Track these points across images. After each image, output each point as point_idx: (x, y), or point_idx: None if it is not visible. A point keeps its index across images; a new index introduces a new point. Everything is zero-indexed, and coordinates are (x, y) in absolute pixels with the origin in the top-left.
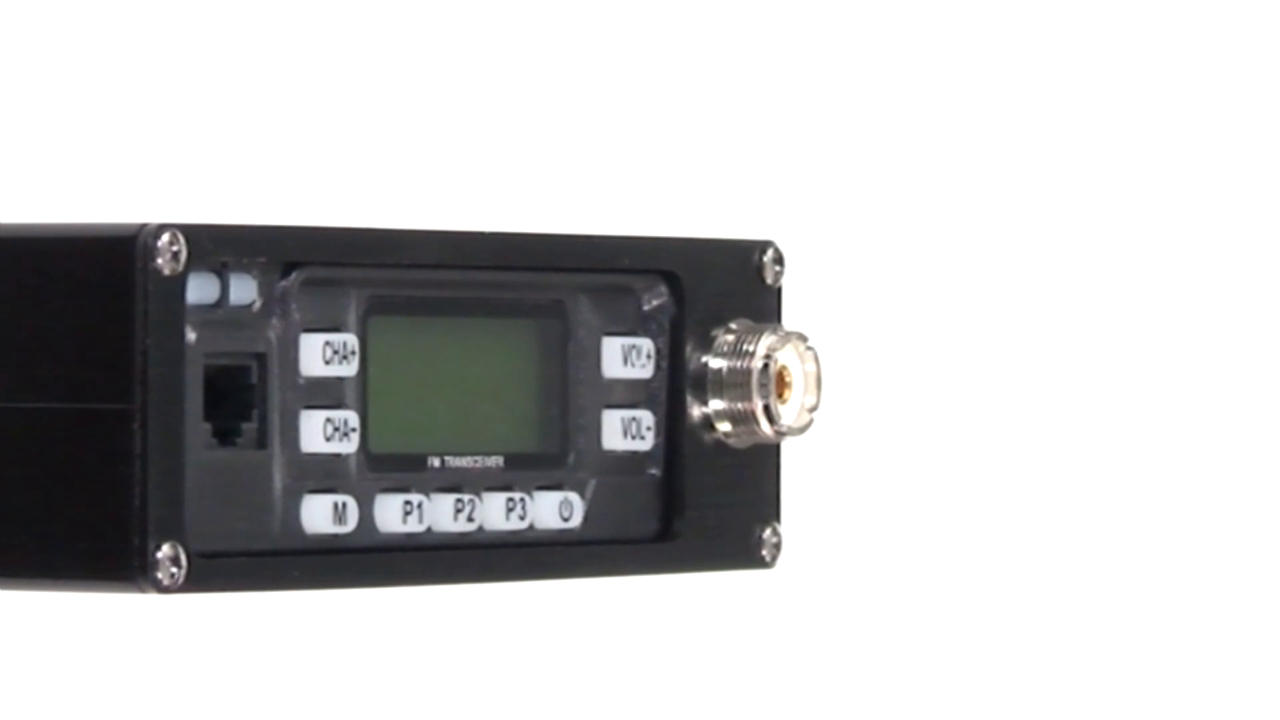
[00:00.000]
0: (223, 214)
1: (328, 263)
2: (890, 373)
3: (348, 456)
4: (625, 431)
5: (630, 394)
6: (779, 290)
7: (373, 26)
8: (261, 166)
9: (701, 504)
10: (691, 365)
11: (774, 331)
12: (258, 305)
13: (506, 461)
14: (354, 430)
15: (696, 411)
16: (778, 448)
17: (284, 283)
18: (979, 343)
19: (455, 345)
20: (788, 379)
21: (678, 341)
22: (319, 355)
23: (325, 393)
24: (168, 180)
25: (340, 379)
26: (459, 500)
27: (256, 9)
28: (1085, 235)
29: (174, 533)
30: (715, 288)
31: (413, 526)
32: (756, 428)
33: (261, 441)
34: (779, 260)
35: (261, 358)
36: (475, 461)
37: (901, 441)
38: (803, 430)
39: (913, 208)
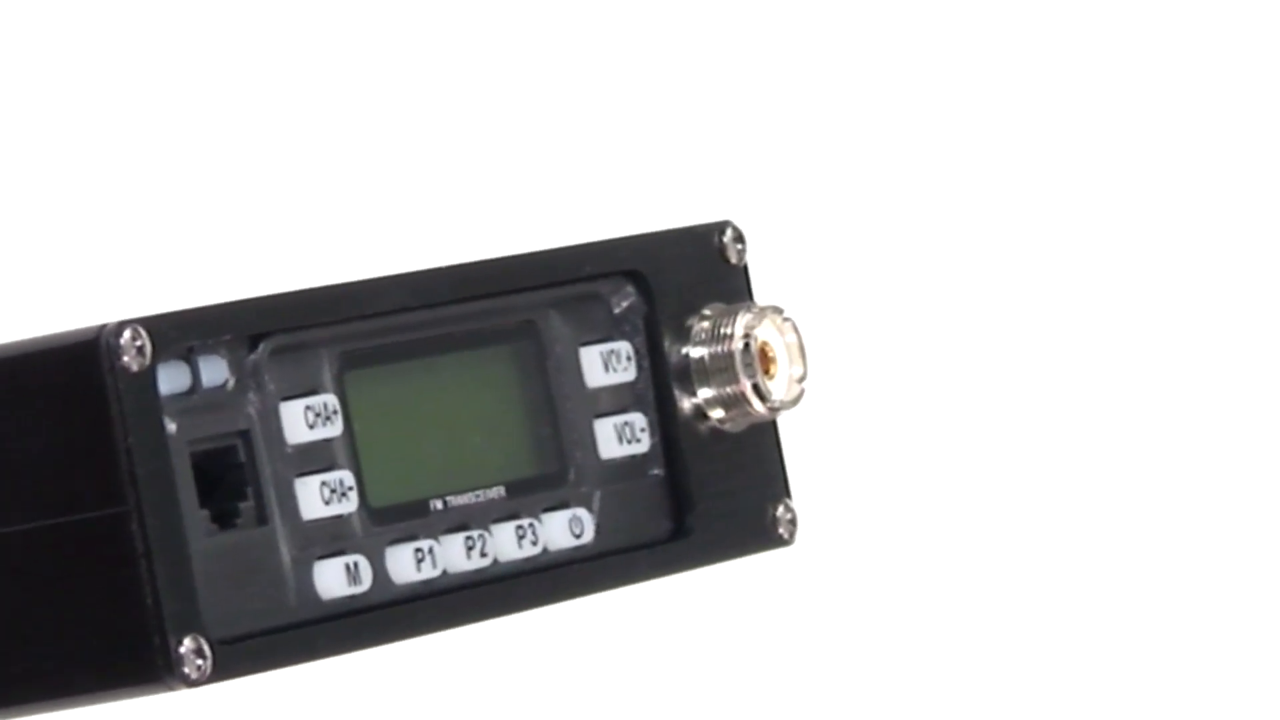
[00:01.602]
0: (170, 295)
1: (292, 328)
2: (865, 343)
3: (350, 515)
4: (620, 437)
5: (618, 399)
6: (745, 268)
7: (285, 69)
8: (202, 239)
9: (710, 495)
10: (673, 359)
11: (748, 310)
12: (231, 383)
13: (508, 490)
14: (351, 489)
15: (687, 404)
16: (774, 424)
17: (253, 356)
18: (957, 310)
19: (435, 385)
20: (771, 354)
21: (654, 338)
22: (302, 421)
23: (315, 457)
24: (108, 270)
25: (328, 440)
26: (469, 538)
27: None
28: (1049, 201)
29: (193, 625)
30: (681, 277)
31: (427, 573)
32: (749, 408)
33: (261, 518)
34: (739, 238)
35: (245, 435)
36: (477, 496)
37: (892, 411)
38: (795, 402)
39: (868, 179)
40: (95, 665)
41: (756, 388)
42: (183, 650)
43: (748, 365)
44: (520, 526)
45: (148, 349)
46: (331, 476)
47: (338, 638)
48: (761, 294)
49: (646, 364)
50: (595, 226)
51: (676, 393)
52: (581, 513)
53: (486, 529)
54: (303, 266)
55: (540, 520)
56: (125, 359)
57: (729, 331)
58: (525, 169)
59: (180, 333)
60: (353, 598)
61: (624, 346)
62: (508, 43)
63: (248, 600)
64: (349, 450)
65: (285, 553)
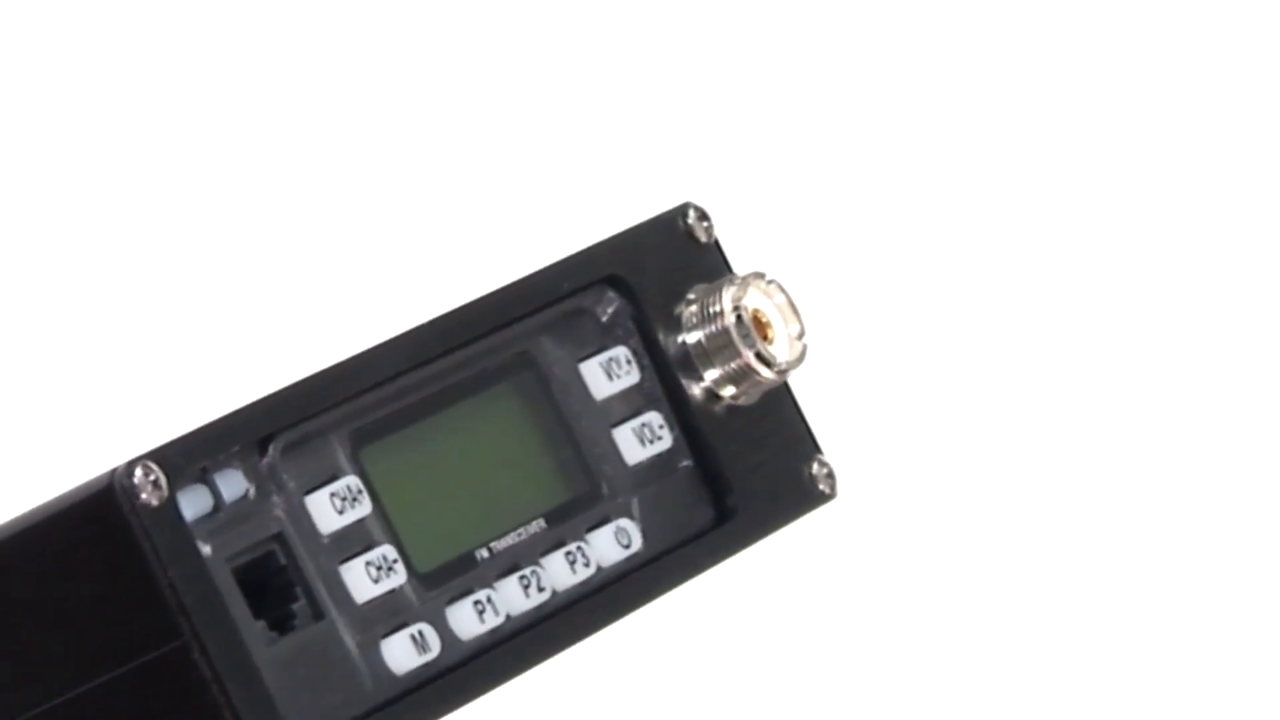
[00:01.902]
0: (154, 401)
1: (296, 422)
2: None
3: (402, 587)
4: (642, 440)
5: (629, 404)
6: (716, 244)
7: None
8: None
9: (743, 471)
10: (671, 350)
11: (731, 283)
12: (252, 492)
13: (548, 520)
14: (396, 561)
15: (697, 390)
16: (787, 386)
17: (266, 459)
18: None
19: (449, 438)
20: (765, 320)
21: (648, 335)
22: (330, 509)
23: (353, 540)
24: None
25: (360, 521)
26: (522, 577)
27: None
28: (1022, 169)
29: None
30: (658, 269)
31: (491, 622)
32: (758, 378)
33: (317, 613)
34: (703, 216)
35: (280, 537)
36: (519, 535)
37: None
38: (800, 359)
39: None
40: None
41: (760, 355)
42: None
43: (745, 336)
44: (569, 552)
45: (163, 481)
46: (374, 555)
47: (422, 708)
48: (740, 264)
49: (647, 362)
50: (551, 234)
51: (684, 382)
52: (625, 523)
53: (537, 564)
54: (281, 338)
55: (587, 541)
56: (144, 496)
57: (718, 309)
58: (470, 180)
59: (189, 457)
60: (426, 666)
61: (621, 351)
62: (444, 60)
63: (325, 696)
64: (384, 524)
65: (349, 641)
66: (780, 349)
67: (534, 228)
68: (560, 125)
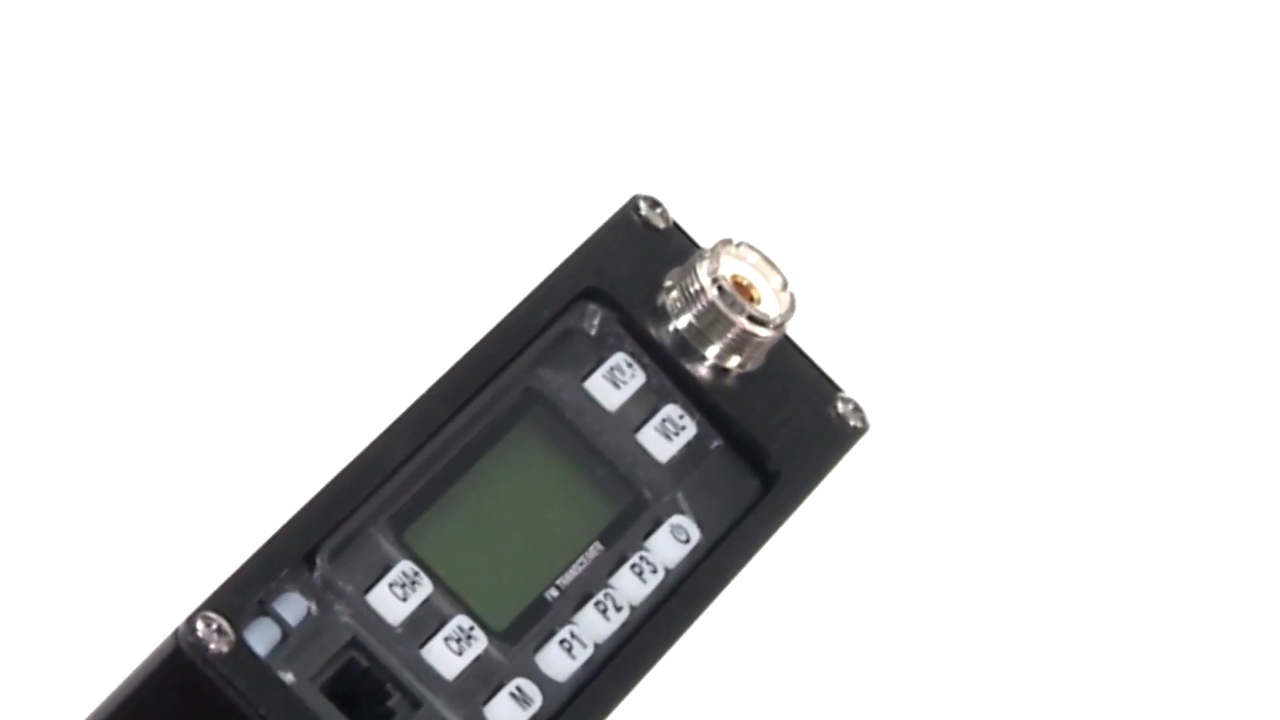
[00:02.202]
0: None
1: (333, 529)
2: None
3: (486, 651)
4: (667, 435)
5: (644, 405)
6: (676, 225)
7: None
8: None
9: (773, 433)
10: (666, 341)
11: (702, 257)
12: (314, 608)
13: (603, 540)
14: (472, 628)
15: (703, 370)
16: (787, 339)
17: (317, 573)
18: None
19: (484, 494)
20: (745, 282)
21: (639, 334)
22: (394, 600)
23: (425, 622)
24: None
25: (426, 601)
26: (598, 603)
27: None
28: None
29: None
30: (627, 268)
31: (583, 655)
32: (757, 339)
33: (414, 702)
34: (654, 204)
35: (355, 643)
36: (581, 564)
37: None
38: (792, 309)
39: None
40: None
41: (752, 318)
42: None
43: (732, 304)
44: (634, 565)
45: (225, 626)
46: (450, 629)
47: None
48: (704, 237)
49: (648, 360)
50: (523, 254)
51: (688, 367)
52: (677, 519)
53: (607, 585)
54: (286, 423)
55: (647, 549)
56: (213, 647)
57: (697, 286)
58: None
59: (243, 595)
60: (536, 718)
61: (619, 358)
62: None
63: None
64: (449, 597)
65: (454, 718)
66: (769, 305)
67: (480, 236)
68: (489, 131)
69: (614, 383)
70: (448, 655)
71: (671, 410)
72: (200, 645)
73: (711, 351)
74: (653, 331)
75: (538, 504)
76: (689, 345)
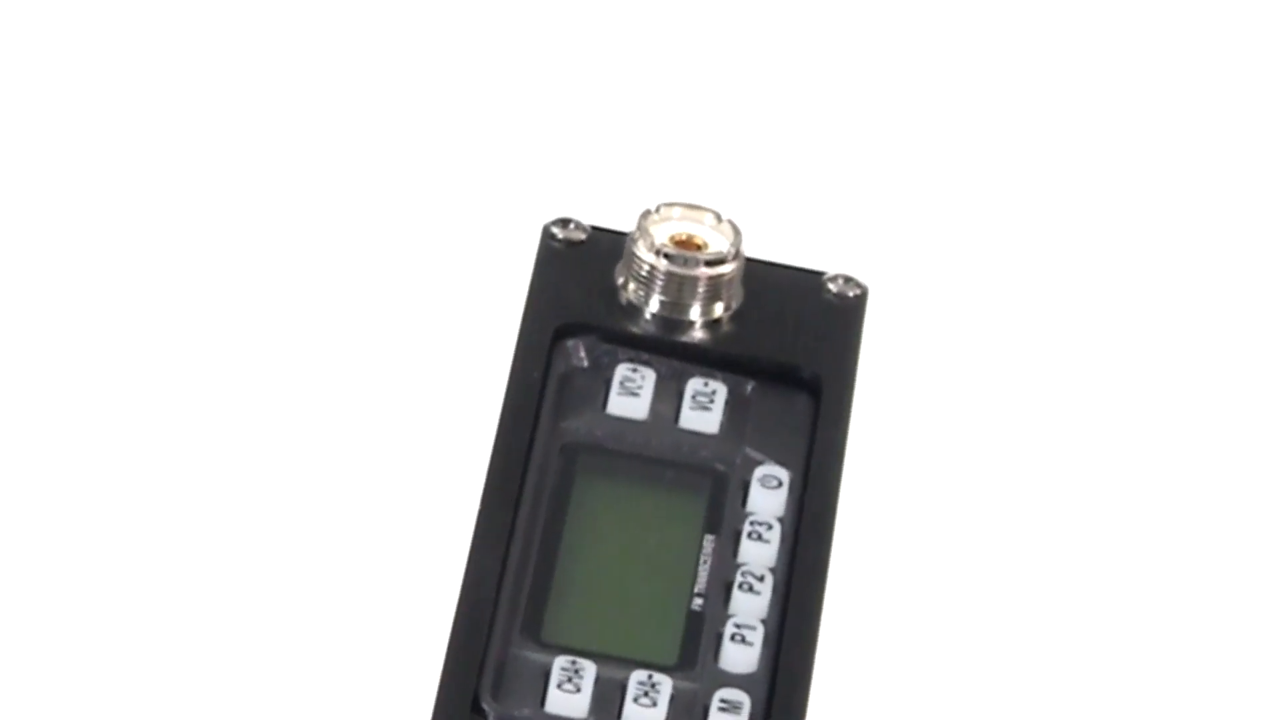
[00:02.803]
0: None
1: (480, 673)
2: None
3: (675, 689)
4: (704, 407)
5: (668, 395)
6: (591, 232)
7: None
8: None
9: (791, 346)
10: (651, 329)
11: (634, 240)
12: None
13: (709, 530)
14: (650, 675)
15: (698, 332)
16: (747, 260)
17: (491, 716)
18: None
19: (584, 558)
20: (683, 237)
21: (625, 338)
22: (570, 695)
23: (608, 696)
24: None
25: (595, 679)
26: (740, 585)
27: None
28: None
29: None
30: (578, 290)
31: (756, 638)
32: (724, 277)
33: None
34: (565, 222)
35: None
36: (705, 563)
37: None
38: (739, 233)
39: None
40: None
41: (709, 262)
42: None
43: (685, 262)
44: (750, 534)
45: None
46: (633, 690)
47: None
48: (624, 220)
49: (646, 356)
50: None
51: (683, 338)
52: (760, 471)
53: (738, 564)
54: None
55: (750, 512)
56: None
57: (646, 267)
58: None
59: None
60: (752, 715)
61: (622, 370)
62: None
63: None
64: (614, 664)
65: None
66: (717, 242)
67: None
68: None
69: (630, 393)
70: (645, 713)
71: (694, 384)
72: None
73: (694, 313)
74: (634, 329)
75: (635, 537)
76: (672, 320)
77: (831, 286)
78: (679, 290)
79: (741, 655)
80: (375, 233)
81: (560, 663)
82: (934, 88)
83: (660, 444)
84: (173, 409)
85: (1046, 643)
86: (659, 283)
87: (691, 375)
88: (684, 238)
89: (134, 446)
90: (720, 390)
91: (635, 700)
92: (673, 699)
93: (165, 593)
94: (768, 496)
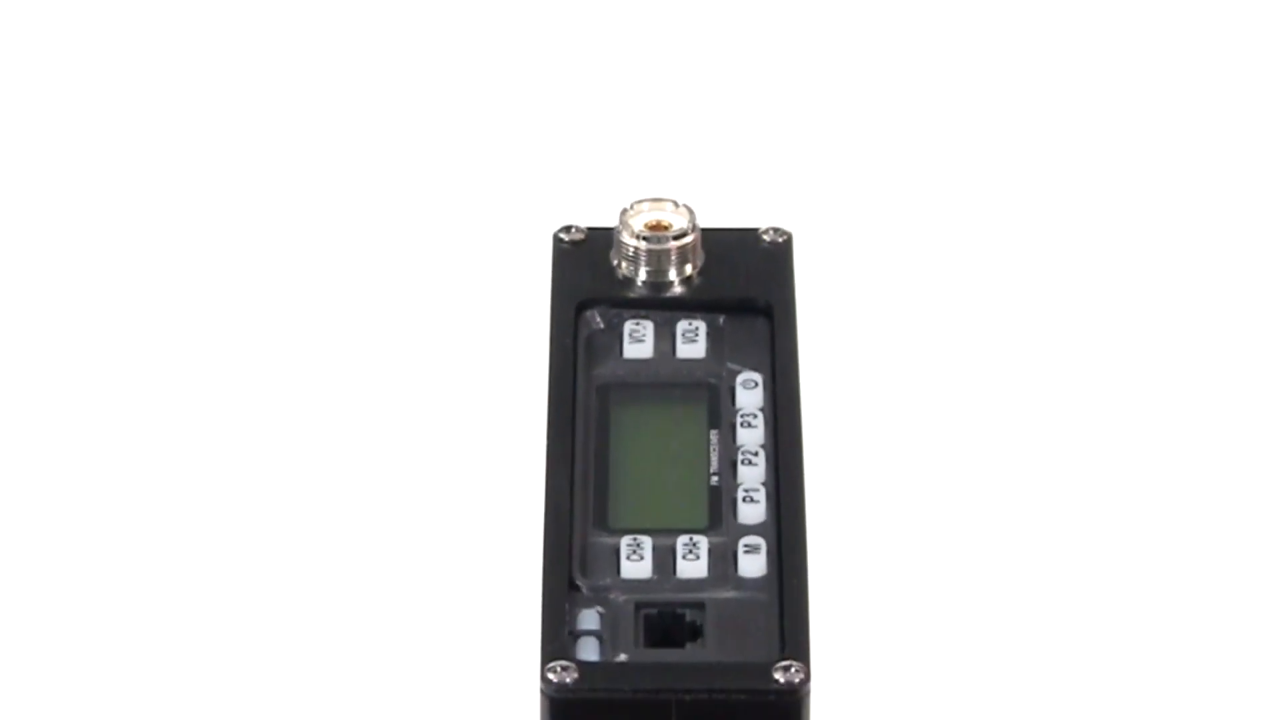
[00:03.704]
0: None
1: (570, 560)
2: None
3: (709, 542)
4: (692, 340)
5: (665, 336)
6: (589, 235)
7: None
8: None
9: (746, 285)
10: (645, 291)
11: (619, 233)
12: (601, 609)
13: (712, 425)
14: (691, 538)
15: (677, 288)
16: (699, 230)
17: (584, 589)
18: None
19: (629, 463)
20: (654, 223)
21: (626, 302)
22: (637, 562)
23: (664, 558)
24: None
25: (652, 548)
26: (742, 460)
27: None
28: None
29: None
30: (588, 275)
31: (760, 496)
32: (688, 245)
33: (699, 605)
34: (568, 229)
35: (639, 605)
36: (714, 449)
37: None
38: (692, 211)
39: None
40: None
41: (676, 237)
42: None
43: (659, 240)
44: (742, 422)
45: (565, 663)
46: (680, 550)
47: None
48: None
49: (644, 312)
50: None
51: (668, 294)
52: (740, 378)
53: (737, 446)
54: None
55: (739, 407)
56: (570, 680)
57: (632, 250)
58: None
59: (558, 637)
60: (769, 550)
61: (629, 325)
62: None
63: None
64: (664, 534)
65: (727, 593)
66: (678, 221)
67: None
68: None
69: (638, 340)
70: (692, 565)
71: (682, 325)
72: (563, 686)
73: (672, 275)
74: (631, 295)
75: (661, 442)
76: (657, 284)
77: (765, 237)
78: (658, 261)
79: (752, 511)
80: (408, 241)
81: (625, 541)
82: (836, 61)
83: (665, 372)
84: (251, 396)
85: (988, 514)
86: (642, 259)
87: (679, 319)
88: (654, 223)
89: (200, 433)
90: (701, 326)
91: (684, 558)
92: (710, 551)
93: (258, 536)
94: (749, 395)
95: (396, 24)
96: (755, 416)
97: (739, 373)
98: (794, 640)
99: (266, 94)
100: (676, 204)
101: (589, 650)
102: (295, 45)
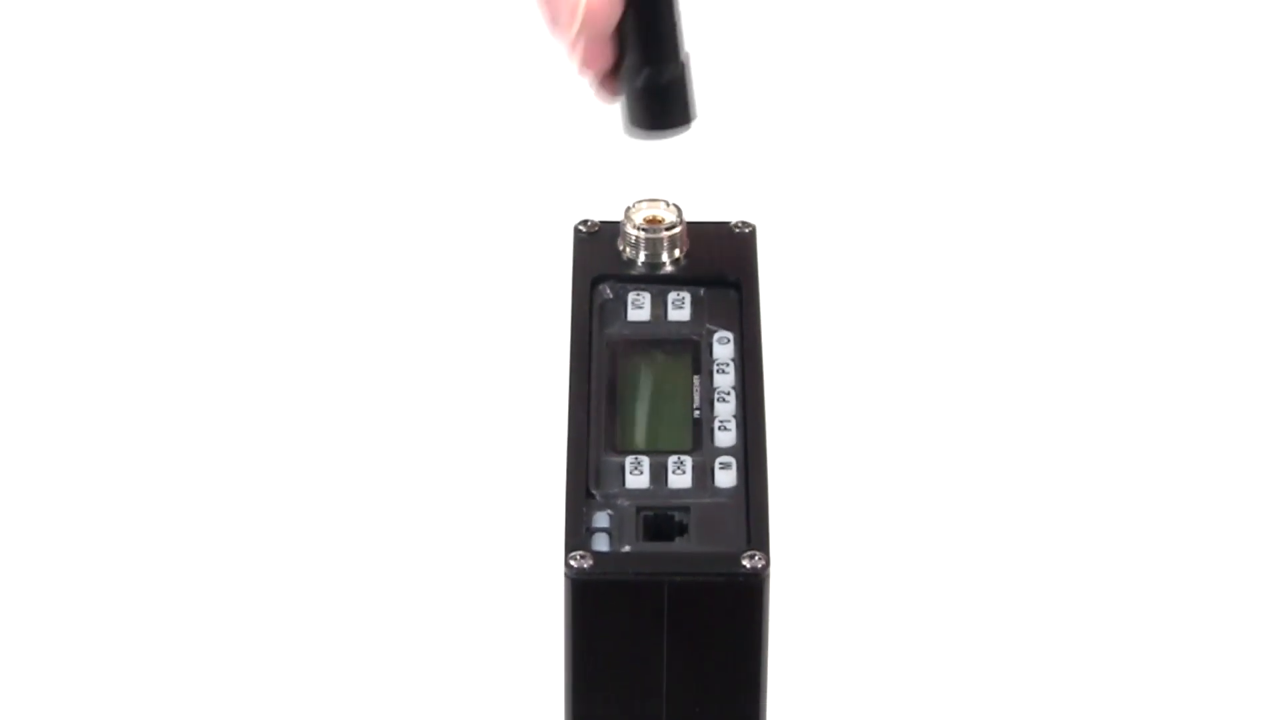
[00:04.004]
0: None
1: (587, 474)
2: None
3: (692, 460)
4: (679, 307)
5: (659, 304)
6: (602, 227)
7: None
8: None
9: (720, 264)
10: (644, 270)
11: (624, 226)
12: (611, 512)
13: (695, 371)
14: (678, 457)
15: (669, 269)
16: (685, 223)
17: (598, 496)
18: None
19: (633, 401)
20: (649, 217)
21: (630, 278)
22: (639, 476)
23: (659, 473)
24: None
25: (649, 464)
26: (717, 398)
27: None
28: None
29: None
30: (601, 257)
31: (731, 426)
32: (676, 233)
33: (685, 509)
34: (585, 222)
35: (639, 509)
36: (697, 389)
37: None
38: (680, 208)
39: None
40: None
41: (668, 229)
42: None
43: (654, 231)
44: (718, 369)
45: (583, 553)
46: (671, 466)
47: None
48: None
49: (642, 285)
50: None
51: (661, 273)
52: (716, 336)
53: (714, 388)
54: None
55: (715, 358)
56: (587, 564)
57: (634, 238)
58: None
59: (578, 531)
60: (740, 466)
61: (631, 295)
62: None
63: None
64: (659, 454)
65: (706, 499)
66: (668, 215)
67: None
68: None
69: (638, 307)
70: (680, 478)
71: (672, 295)
72: (581, 570)
73: (665, 257)
74: (634, 273)
75: (656, 385)
76: (653, 264)
77: (735, 229)
78: (654, 248)
79: (726, 437)
80: (470, 232)
81: (629, 460)
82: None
83: (660, 331)
84: (270, 389)
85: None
86: (641, 245)
87: (669, 291)
88: (650, 218)
89: (215, 423)
90: (687, 296)
91: (673, 473)
92: (693, 468)
93: (271, 528)
94: (723, 348)
95: (459, 57)
96: (727, 365)
97: (715, 332)
98: (758, 536)
99: (315, 109)
100: (668, 203)
101: (601, 543)
102: (334, 61)
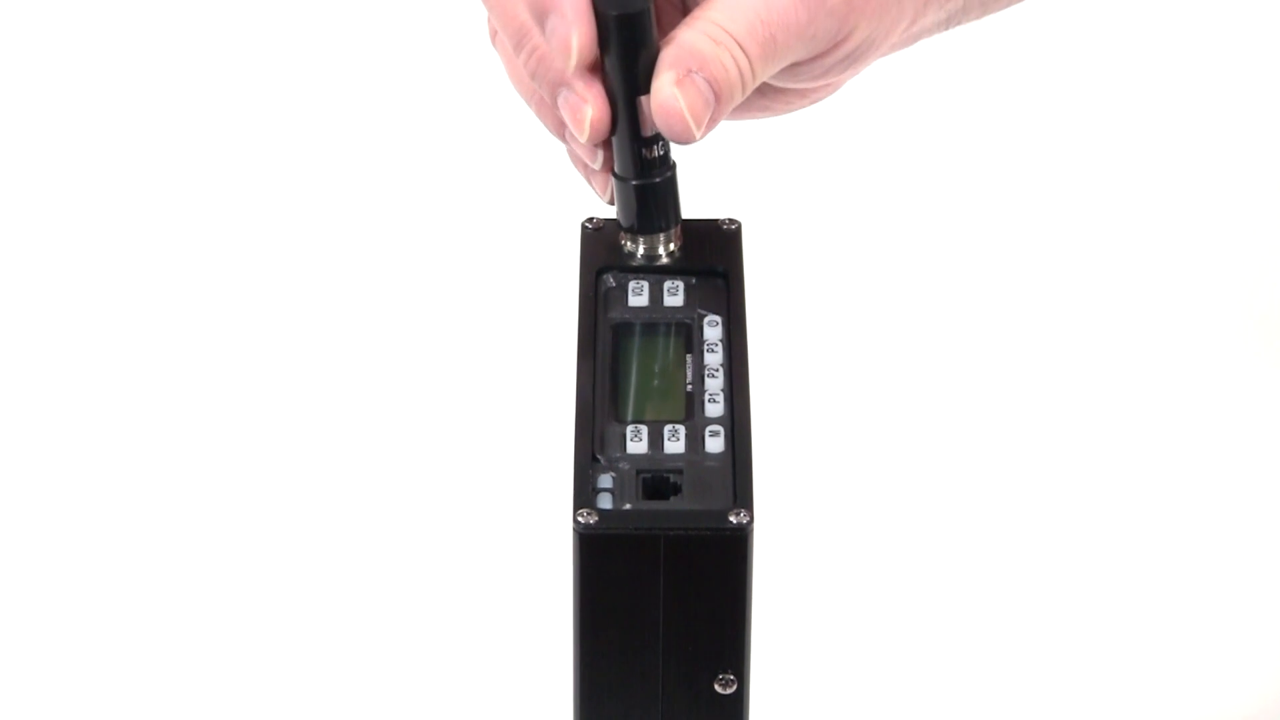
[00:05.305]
0: None
1: (593, 440)
2: None
3: (685, 428)
4: (674, 293)
5: (656, 291)
6: (606, 224)
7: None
8: None
9: (710, 257)
10: (642, 260)
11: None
12: (614, 474)
13: (689, 351)
14: (673, 425)
15: (664, 261)
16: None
17: (603, 459)
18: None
19: (635, 377)
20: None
21: (631, 269)
22: (637, 442)
23: (656, 436)
24: None
25: (649, 431)
26: (708, 374)
27: None
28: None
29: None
30: (604, 248)
31: (721, 399)
32: (674, 230)
33: (678, 470)
34: (591, 219)
35: (639, 469)
36: (689, 367)
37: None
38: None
39: None
40: None
41: (666, 237)
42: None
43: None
44: (707, 349)
45: (589, 510)
46: (667, 433)
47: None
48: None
49: (642, 274)
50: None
51: (658, 264)
52: (706, 320)
53: (704, 366)
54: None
55: (706, 339)
56: (594, 520)
57: (632, 235)
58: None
59: (585, 490)
60: (726, 435)
61: (632, 283)
62: None
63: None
64: (658, 423)
65: (694, 457)
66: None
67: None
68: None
69: (638, 294)
70: (675, 444)
71: (668, 284)
72: (588, 525)
73: (661, 250)
74: (634, 264)
75: (654, 361)
76: (651, 256)
77: (722, 225)
78: (651, 242)
79: (714, 408)
80: (489, 227)
81: (629, 428)
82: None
83: (656, 315)
84: (287, 382)
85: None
86: (640, 240)
87: (665, 280)
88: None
89: (228, 417)
90: (680, 284)
91: (669, 440)
92: (686, 435)
93: (283, 520)
94: (713, 330)
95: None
96: (716, 345)
97: (705, 316)
98: (743, 495)
99: (323, 108)
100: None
101: (605, 501)
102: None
